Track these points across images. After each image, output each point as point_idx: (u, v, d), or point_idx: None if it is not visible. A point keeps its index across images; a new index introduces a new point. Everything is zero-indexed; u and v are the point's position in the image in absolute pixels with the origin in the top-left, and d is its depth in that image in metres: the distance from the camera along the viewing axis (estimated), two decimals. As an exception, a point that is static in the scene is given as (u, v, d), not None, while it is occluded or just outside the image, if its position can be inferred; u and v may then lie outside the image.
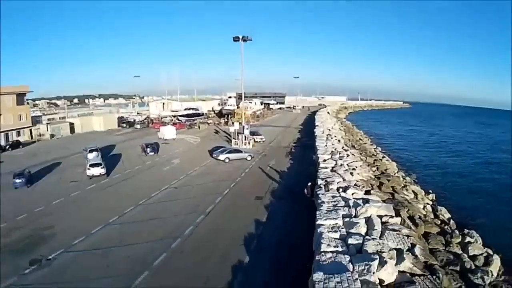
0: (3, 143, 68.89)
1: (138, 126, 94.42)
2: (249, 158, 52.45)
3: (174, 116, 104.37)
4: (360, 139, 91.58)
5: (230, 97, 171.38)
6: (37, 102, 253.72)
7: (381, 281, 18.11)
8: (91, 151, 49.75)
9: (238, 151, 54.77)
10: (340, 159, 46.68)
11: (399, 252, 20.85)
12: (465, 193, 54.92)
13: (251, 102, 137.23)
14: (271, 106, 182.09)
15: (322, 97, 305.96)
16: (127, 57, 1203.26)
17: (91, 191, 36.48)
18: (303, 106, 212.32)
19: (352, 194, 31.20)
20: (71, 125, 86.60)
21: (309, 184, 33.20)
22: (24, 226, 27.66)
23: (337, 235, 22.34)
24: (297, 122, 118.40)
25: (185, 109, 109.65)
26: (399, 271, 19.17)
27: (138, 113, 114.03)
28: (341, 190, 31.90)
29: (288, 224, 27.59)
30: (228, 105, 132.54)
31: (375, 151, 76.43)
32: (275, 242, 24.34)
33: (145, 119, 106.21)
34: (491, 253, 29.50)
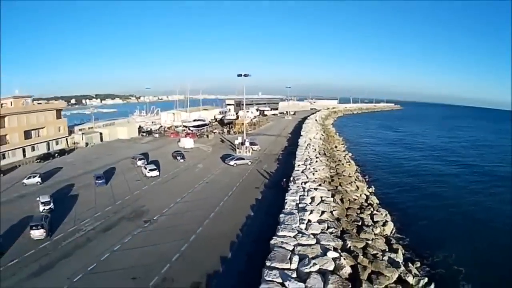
0: (45, 151, 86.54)
1: (157, 135, 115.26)
2: (249, 163, 76.27)
3: (186, 127, 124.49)
4: (335, 146, 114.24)
5: (228, 104, 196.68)
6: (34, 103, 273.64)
7: (309, 220, 42.41)
8: (140, 159, 72.38)
9: (242, 158, 78.43)
10: (310, 164, 72.02)
11: (323, 212, 45.96)
12: (403, 188, 78.76)
13: (248, 111, 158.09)
14: (266, 112, 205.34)
15: (314, 102, 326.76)
16: (123, 57, 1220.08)
17: (155, 185, 59.46)
18: (295, 112, 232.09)
19: (309, 185, 56.08)
20: (101, 135, 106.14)
21: (284, 179, 59.11)
22: (126, 207, 49.43)
23: (294, 203, 47.24)
24: (287, 131, 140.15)
25: (194, 120, 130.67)
26: (319, 218, 43.87)
27: (152, 122, 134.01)
28: (303, 183, 56.87)
29: (272, 199, 52.37)
30: (229, 114, 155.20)
31: (345, 157, 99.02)
32: (266, 205, 49.72)
33: (159, 128, 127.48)
34: (389, 220, 52.76)
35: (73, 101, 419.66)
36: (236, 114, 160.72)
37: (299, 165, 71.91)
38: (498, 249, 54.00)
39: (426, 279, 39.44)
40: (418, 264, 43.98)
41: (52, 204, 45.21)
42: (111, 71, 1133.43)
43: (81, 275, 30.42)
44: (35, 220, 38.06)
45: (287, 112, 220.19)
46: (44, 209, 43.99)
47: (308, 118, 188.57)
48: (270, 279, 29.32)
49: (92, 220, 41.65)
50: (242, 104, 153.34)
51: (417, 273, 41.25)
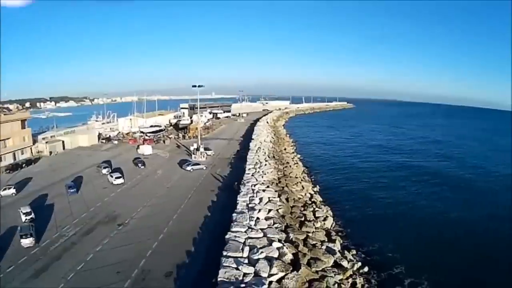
0: (12, 161, 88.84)
1: (116, 142, 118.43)
2: (204, 168, 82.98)
3: (143, 133, 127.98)
4: (284, 149, 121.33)
5: (183, 108, 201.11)
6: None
7: (257, 217, 50.26)
8: (105, 167, 77.41)
9: (197, 163, 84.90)
10: (259, 168, 79.58)
11: (270, 210, 53.91)
12: (346, 185, 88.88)
13: (201, 115, 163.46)
14: (219, 115, 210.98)
15: (267, 102, 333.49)
16: (76, 58, 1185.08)
17: (121, 192, 64.98)
18: (247, 114, 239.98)
19: (258, 187, 63.70)
20: (63, 143, 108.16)
21: (236, 183, 66.65)
22: (99, 213, 55.13)
23: (245, 203, 54.78)
24: (239, 134, 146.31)
25: (151, 126, 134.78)
26: (266, 215, 51.84)
27: (111, 129, 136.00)
28: (253, 186, 64.48)
29: (226, 200, 59.57)
30: (183, 119, 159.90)
31: (293, 159, 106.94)
32: (221, 206, 56.98)
33: (117, 134, 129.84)
34: (329, 215, 61.81)
35: (27, 104, 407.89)
36: (190, 118, 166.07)
37: (249, 169, 79.18)
38: (427, 238, 61.66)
39: (360, 264, 47.40)
40: (354, 252, 51.30)
41: (33, 214, 49.47)
42: (64, 73, 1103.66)
43: (73, 273, 36.20)
44: (24, 229, 42.97)
45: (239, 114, 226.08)
46: (26, 219, 48.32)
47: (260, 120, 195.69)
48: (227, 265, 37.08)
49: (72, 226, 47.05)
50: (196, 108, 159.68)
51: (352, 259, 48.67)
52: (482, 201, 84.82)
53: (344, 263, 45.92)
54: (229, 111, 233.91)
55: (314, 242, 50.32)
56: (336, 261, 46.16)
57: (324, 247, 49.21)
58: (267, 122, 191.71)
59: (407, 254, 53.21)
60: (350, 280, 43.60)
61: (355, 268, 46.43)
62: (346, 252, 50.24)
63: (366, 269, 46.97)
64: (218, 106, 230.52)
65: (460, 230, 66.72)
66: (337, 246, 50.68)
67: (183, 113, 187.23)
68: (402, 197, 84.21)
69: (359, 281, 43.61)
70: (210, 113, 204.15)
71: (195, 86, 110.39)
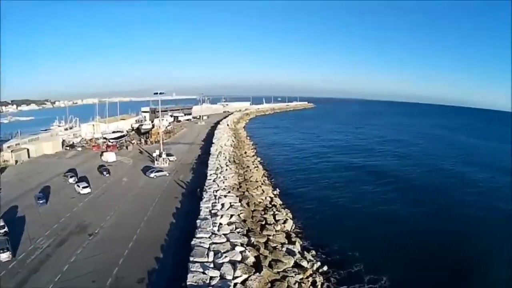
0: None
1: (79, 149, 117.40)
2: (167, 174, 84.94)
3: (106, 139, 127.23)
4: (245, 152, 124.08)
5: (144, 112, 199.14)
6: None
7: (220, 223, 53.46)
8: (71, 176, 77.74)
9: (161, 170, 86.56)
10: (221, 173, 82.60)
11: (231, 215, 57.07)
12: (305, 187, 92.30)
13: (162, 119, 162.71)
14: (180, 118, 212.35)
15: (227, 104, 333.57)
16: (36, 59, 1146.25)
17: (89, 201, 65.99)
18: (208, 116, 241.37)
19: (219, 193, 66.88)
20: (28, 151, 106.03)
21: (198, 189, 69.51)
22: (70, 223, 56.04)
23: (207, 210, 57.88)
24: (200, 138, 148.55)
25: (113, 132, 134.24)
26: (228, 221, 55.09)
27: (74, 135, 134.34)
28: (215, 191, 67.63)
29: (189, 207, 62.23)
30: (145, 124, 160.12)
31: (253, 162, 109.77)
32: (185, 212, 59.84)
33: (81, 141, 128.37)
34: (289, 218, 65.15)
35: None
36: (152, 122, 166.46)
37: (211, 174, 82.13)
38: (384, 235, 65.17)
39: (319, 263, 50.32)
40: (313, 252, 54.05)
41: (6, 227, 50.43)
42: (25, 74, 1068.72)
43: (52, 285, 37.76)
44: (0, 244, 43.97)
45: (200, 116, 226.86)
46: (0, 232, 49.26)
47: (221, 122, 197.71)
48: (194, 269, 39.76)
49: (45, 238, 48.41)
50: (157, 112, 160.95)
51: (312, 259, 51.50)
52: (434, 198, 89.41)
53: (304, 263, 48.62)
54: (190, 114, 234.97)
55: (274, 245, 52.95)
56: (296, 261, 48.78)
57: (284, 249, 51.96)
58: (228, 125, 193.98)
59: (366, 252, 55.74)
60: (310, 279, 46.37)
61: (314, 268, 49.12)
62: (305, 252, 53.01)
63: (325, 268, 49.62)
64: (179, 109, 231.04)
65: (415, 226, 70.29)
66: (297, 248, 53.40)
67: (144, 117, 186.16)
68: (359, 196, 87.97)
69: (319, 279, 46.46)
70: (171, 116, 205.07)
71: (156, 93, 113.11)
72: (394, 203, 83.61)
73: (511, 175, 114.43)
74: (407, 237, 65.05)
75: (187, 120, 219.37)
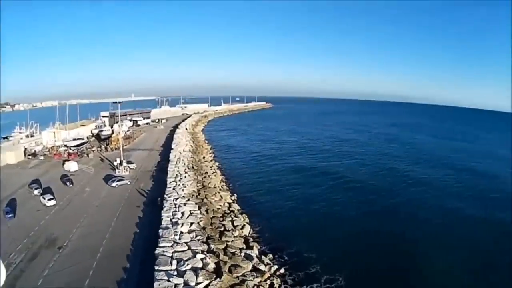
0: None
1: (42, 158, 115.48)
2: (129, 183, 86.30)
3: (67, 146, 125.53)
4: (203, 157, 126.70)
5: (104, 116, 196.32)
6: None
7: (181, 231, 56.43)
8: (36, 188, 77.67)
9: (122, 178, 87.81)
10: (180, 181, 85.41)
11: (191, 223, 60.43)
12: (262, 190, 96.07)
13: (122, 123, 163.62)
14: (139, 122, 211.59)
15: (185, 106, 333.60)
16: None
17: (55, 214, 66.66)
18: (167, 119, 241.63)
19: (179, 201, 69.95)
20: None
21: (159, 198, 72.23)
22: (39, 237, 56.83)
23: (168, 218, 61.06)
24: (159, 143, 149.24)
25: (74, 139, 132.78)
26: (188, 229, 58.40)
27: (35, 143, 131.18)
28: (175, 200, 70.64)
29: (151, 216, 64.76)
30: (105, 129, 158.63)
31: (211, 167, 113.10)
32: (148, 221, 62.41)
33: (42, 149, 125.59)
34: (247, 223, 68.68)
35: None
36: (112, 128, 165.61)
37: (170, 182, 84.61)
38: (339, 235, 68.70)
39: (276, 266, 53.46)
40: (271, 256, 57.05)
41: None
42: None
43: None
44: None
45: (159, 120, 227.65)
46: None
47: (179, 126, 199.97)
48: (159, 278, 42.62)
49: (17, 253, 49.92)
50: (117, 116, 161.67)
51: (269, 262, 54.50)
52: (384, 197, 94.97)
53: (262, 267, 51.49)
54: (149, 118, 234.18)
55: (233, 250, 55.59)
56: (254, 265, 51.53)
57: (242, 254, 54.59)
58: (186, 129, 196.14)
59: (321, 253, 58.75)
60: (268, 281, 49.11)
61: (272, 271, 52.03)
62: (263, 256, 55.86)
63: (282, 270, 52.48)
64: (138, 113, 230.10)
65: (366, 226, 74.13)
66: (254, 252, 56.12)
67: (104, 122, 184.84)
68: (313, 198, 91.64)
69: (277, 282, 49.47)
70: (130, 120, 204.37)
71: (115, 103, 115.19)
72: (347, 204, 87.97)
73: (460, 173, 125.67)
74: (360, 237, 68.87)
75: (146, 124, 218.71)
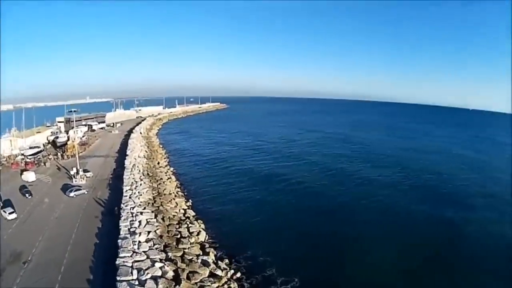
0: None
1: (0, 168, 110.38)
2: (86, 192, 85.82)
3: (24, 155, 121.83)
4: (158, 163, 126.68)
5: (59, 122, 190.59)
6: None
7: (139, 241, 57.78)
8: None
9: (79, 188, 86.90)
10: (135, 189, 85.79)
11: (149, 232, 62.06)
12: (217, 194, 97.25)
13: (77, 129, 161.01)
14: (94, 127, 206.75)
15: (140, 109, 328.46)
16: None
17: (17, 227, 65.36)
18: (121, 123, 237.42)
19: (136, 210, 71.38)
20: None
21: (116, 207, 73.21)
22: (4, 252, 54.16)
23: (126, 228, 62.59)
24: (114, 149, 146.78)
25: (30, 148, 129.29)
26: (146, 238, 60.07)
27: None
28: (131, 209, 71.80)
29: (110, 226, 65.77)
30: (61, 136, 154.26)
31: (166, 173, 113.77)
32: (107, 231, 63.36)
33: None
34: (202, 229, 70.34)
35: None
36: (67, 134, 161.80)
37: (126, 191, 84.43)
38: (294, 237, 70.31)
39: (233, 271, 54.48)
40: (227, 261, 58.14)
41: None
42: None
43: None
44: None
45: (114, 124, 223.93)
46: None
47: (134, 131, 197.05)
48: None
49: None
50: (72, 121, 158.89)
51: (226, 267, 55.60)
52: (336, 197, 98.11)
53: (219, 272, 52.96)
54: (104, 122, 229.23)
55: (190, 257, 56.74)
56: (211, 271, 53.04)
57: (199, 260, 55.88)
58: (141, 133, 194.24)
59: (276, 255, 60.37)
60: (226, 286, 50.64)
61: (229, 276, 53.18)
62: (219, 262, 57.17)
63: (239, 274, 53.81)
64: (93, 117, 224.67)
65: (317, 226, 76.61)
66: (211, 258, 57.35)
67: (60, 127, 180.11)
68: (266, 200, 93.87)
69: (234, 286, 50.92)
70: (85, 125, 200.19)
71: (71, 111, 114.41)
72: (298, 205, 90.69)
73: (407, 170, 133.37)
74: (311, 237, 70.93)
75: (101, 128, 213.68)
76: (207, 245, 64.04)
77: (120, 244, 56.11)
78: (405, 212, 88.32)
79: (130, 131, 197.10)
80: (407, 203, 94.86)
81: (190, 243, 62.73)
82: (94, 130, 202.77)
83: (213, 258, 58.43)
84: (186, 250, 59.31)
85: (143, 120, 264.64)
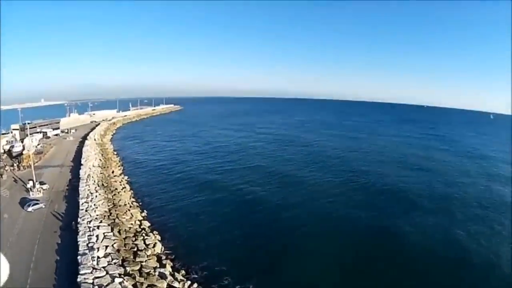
0: None
1: None
2: (44, 206, 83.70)
3: None
4: (112, 172, 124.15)
5: (14, 129, 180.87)
6: None
7: (98, 256, 57.64)
8: None
9: (37, 202, 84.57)
10: (91, 201, 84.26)
11: (106, 246, 62.36)
12: (172, 203, 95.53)
13: (32, 137, 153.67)
14: (49, 134, 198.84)
15: (94, 114, 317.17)
16: None
17: None
18: (75, 129, 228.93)
19: (93, 224, 71.43)
20: None
21: (73, 222, 72.67)
22: None
23: (85, 244, 62.63)
24: (69, 158, 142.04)
25: None
26: (104, 252, 59.92)
27: None
28: (88, 223, 71.56)
29: (69, 241, 65.41)
30: (16, 145, 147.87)
31: (121, 182, 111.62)
32: (67, 247, 62.63)
33: None
34: (158, 241, 70.06)
35: None
36: (22, 142, 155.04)
37: (82, 204, 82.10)
38: (250, 244, 70.10)
39: (189, 282, 54.16)
40: (183, 272, 57.62)
41: None
42: None
43: None
44: None
45: (68, 130, 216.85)
46: None
47: (88, 137, 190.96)
48: None
49: None
50: (27, 129, 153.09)
51: (182, 278, 55.19)
52: (287, 201, 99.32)
53: (176, 284, 52.64)
54: (58, 128, 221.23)
55: (148, 270, 55.75)
56: (168, 283, 52.51)
57: (157, 273, 55.11)
58: (95, 139, 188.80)
59: (232, 264, 60.27)
60: None
61: (186, 287, 53.32)
62: (176, 273, 56.57)
63: (195, 285, 53.76)
64: (47, 124, 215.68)
65: (271, 232, 77.25)
66: (168, 270, 56.59)
67: (15, 135, 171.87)
68: (218, 207, 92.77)
69: None
70: (39, 132, 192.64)
71: (24, 123, 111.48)
72: (246, 211, 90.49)
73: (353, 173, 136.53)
74: (266, 244, 71.63)
75: (56, 135, 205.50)
76: (163, 257, 62.84)
77: (80, 261, 54.45)
78: (343, 215, 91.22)
79: (85, 138, 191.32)
80: (345, 204, 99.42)
81: (147, 256, 61.42)
82: (49, 137, 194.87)
83: (170, 270, 57.68)
84: (143, 263, 58.14)
85: (97, 125, 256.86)
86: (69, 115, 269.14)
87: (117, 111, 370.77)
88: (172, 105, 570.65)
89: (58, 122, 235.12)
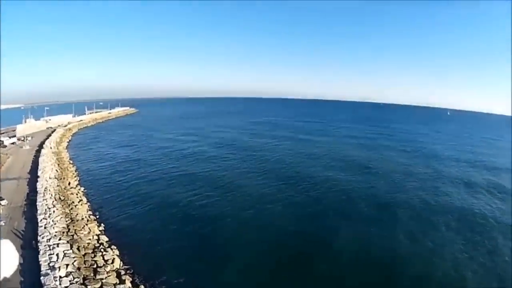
0: None
1: None
2: (3, 223, 78.70)
3: None
4: (69, 183, 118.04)
5: None
6: None
7: (60, 276, 56.05)
8: None
9: None
10: (49, 217, 79.93)
11: (67, 265, 60.08)
12: (131, 213, 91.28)
13: None
14: (5, 142, 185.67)
15: (50, 119, 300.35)
16: None
17: None
18: (32, 137, 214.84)
19: (52, 242, 68.35)
20: None
21: (34, 241, 69.39)
22: None
23: (46, 263, 59.58)
24: (26, 169, 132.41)
25: None
26: (66, 272, 52.70)
27: None
28: (48, 241, 68.26)
29: (32, 260, 62.47)
30: None
31: (77, 194, 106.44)
32: (30, 267, 59.99)
33: None
34: (116, 256, 67.70)
35: None
36: None
37: (41, 220, 78.21)
38: (210, 255, 67.29)
39: None
40: (143, 287, 55.70)
41: None
42: None
43: None
44: None
45: (24, 137, 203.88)
46: None
47: (44, 146, 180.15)
48: None
49: None
50: None
51: None
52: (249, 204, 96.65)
53: None
54: (15, 136, 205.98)
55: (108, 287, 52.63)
56: None
57: None
58: (51, 148, 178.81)
59: (190, 276, 58.51)
60: None
61: None
62: None
63: None
64: (3, 132, 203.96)
65: (220, 240, 74.17)
66: (127, 286, 54.98)
67: None
68: (175, 215, 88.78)
69: None
70: None
71: None
72: (204, 219, 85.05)
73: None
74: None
75: (12, 143, 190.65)
76: (122, 272, 60.22)
77: (43, 282, 53.73)
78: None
79: (41, 146, 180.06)
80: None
81: (107, 272, 60.00)
82: (5, 146, 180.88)
83: (130, 285, 55.80)
84: (103, 281, 55.62)
85: (53, 131, 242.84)
86: (25, 121, 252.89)
87: (73, 116, 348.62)
88: (128, 108, 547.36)
89: (15, 130, 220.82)
